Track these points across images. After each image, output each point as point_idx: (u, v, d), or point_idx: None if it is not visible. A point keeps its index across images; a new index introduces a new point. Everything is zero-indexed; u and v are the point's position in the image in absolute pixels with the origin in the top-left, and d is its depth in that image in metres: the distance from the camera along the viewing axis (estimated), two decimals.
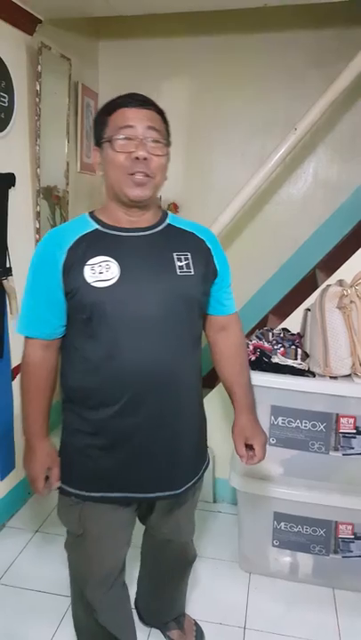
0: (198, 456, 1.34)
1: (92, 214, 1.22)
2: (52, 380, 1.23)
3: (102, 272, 1.12)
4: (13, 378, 2.19)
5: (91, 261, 1.12)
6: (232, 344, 1.36)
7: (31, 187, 2.24)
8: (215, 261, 1.26)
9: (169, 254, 1.18)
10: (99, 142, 1.17)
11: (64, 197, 2.52)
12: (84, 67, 2.71)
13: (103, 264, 1.12)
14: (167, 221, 1.24)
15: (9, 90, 2.00)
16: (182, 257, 1.18)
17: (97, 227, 1.18)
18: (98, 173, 1.21)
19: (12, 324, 2.12)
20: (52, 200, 2.42)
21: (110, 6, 2.08)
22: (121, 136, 1.11)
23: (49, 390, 1.22)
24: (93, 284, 1.11)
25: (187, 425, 1.26)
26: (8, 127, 2.02)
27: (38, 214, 2.28)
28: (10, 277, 2.05)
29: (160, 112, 1.17)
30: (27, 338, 1.20)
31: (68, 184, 2.53)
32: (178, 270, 1.17)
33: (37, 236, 2.30)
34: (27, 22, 2.10)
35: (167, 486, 1.25)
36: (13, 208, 2.08)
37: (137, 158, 1.10)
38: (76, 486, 1.24)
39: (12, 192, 2.06)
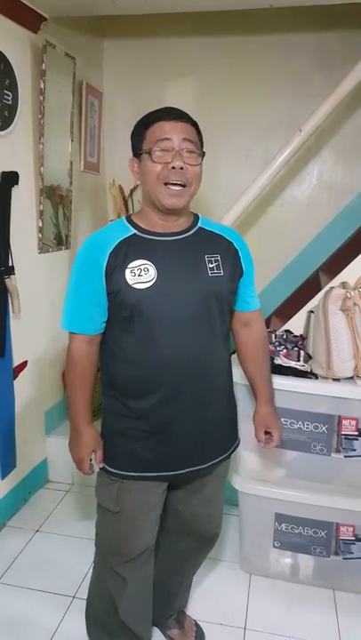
0: (230, 436, 1.45)
1: (129, 219, 1.31)
2: (95, 372, 1.34)
3: (141, 274, 1.22)
4: (15, 377, 2.19)
5: (131, 265, 1.22)
6: (255, 339, 1.47)
7: (34, 185, 2.24)
8: (242, 262, 1.36)
9: (201, 257, 1.28)
10: (137, 153, 1.26)
11: (67, 196, 2.52)
12: (88, 66, 2.70)
13: (142, 267, 1.22)
14: (199, 225, 1.33)
15: (13, 88, 2.00)
16: (213, 259, 1.29)
17: (135, 231, 1.27)
18: (135, 182, 1.31)
19: (14, 322, 2.12)
20: (56, 199, 2.41)
21: (116, 5, 2.07)
22: (159, 148, 1.20)
23: (92, 380, 1.33)
24: (134, 286, 1.21)
25: (219, 410, 1.37)
26: (12, 125, 2.02)
27: (41, 213, 2.28)
28: (12, 276, 2.05)
29: (194, 124, 1.26)
30: (72, 333, 1.30)
31: (71, 183, 2.52)
32: (209, 272, 1.27)
33: (40, 235, 2.30)
34: (31, 20, 2.10)
35: (197, 462, 1.35)
36: (16, 206, 2.08)
37: (173, 168, 1.19)
38: (116, 466, 1.33)
39: (15, 190, 2.06)
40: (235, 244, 1.35)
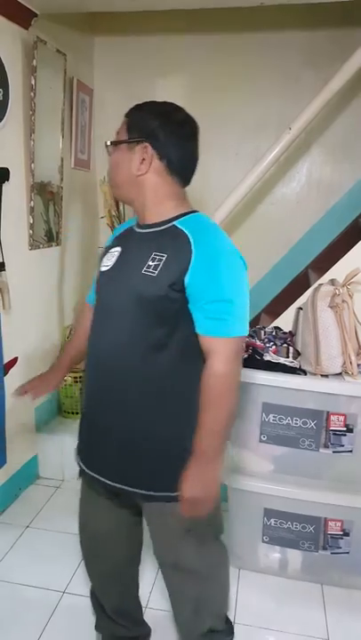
0: (148, 473, 1.22)
1: None
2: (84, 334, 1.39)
3: (108, 259, 1.28)
4: (5, 373, 2.18)
5: (111, 250, 1.30)
6: (206, 377, 1.14)
7: (25, 182, 2.23)
8: (190, 271, 1.10)
9: (147, 253, 1.16)
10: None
11: (58, 193, 2.51)
12: (79, 62, 2.70)
13: (113, 252, 1.28)
14: (174, 223, 1.18)
15: (4, 84, 1.99)
16: (157, 257, 1.14)
17: (134, 223, 1.31)
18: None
19: (5, 319, 2.11)
20: (46, 196, 2.41)
21: (107, 2, 2.08)
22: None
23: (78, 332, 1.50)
24: (100, 268, 1.30)
25: (126, 429, 1.21)
26: (3, 121, 2.01)
27: (32, 209, 2.27)
28: (3, 272, 2.04)
29: (128, 114, 1.25)
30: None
31: (62, 180, 2.52)
32: (144, 269, 1.14)
33: (31, 232, 2.29)
34: (22, 16, 2.09)
35: (97, 468, 1.28)
36: (7, 203, 2.07)
37: None
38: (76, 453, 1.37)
39: (5, 187, 2.05)
40: (193, 252, 1.11)
